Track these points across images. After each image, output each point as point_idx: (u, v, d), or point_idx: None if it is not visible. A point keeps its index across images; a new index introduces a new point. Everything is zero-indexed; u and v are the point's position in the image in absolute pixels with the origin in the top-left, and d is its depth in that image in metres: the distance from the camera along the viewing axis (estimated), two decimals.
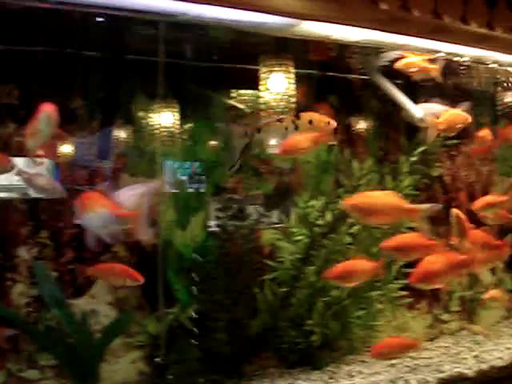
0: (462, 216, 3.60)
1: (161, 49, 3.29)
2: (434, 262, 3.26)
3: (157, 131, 3.84)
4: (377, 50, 3.99)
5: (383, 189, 3.94)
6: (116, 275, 3.13)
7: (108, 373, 3.42)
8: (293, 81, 3.84)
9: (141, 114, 3.78)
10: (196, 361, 3.48)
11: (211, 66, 4.04)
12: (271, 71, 3.79)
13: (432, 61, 3.84)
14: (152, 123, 3.86)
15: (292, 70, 3.85)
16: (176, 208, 3.62)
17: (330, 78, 3.93)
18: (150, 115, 3.80)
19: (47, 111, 2.72)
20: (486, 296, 4.02)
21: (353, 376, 3.79)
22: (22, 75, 3.42)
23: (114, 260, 3.50)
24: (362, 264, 3.38)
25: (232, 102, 4.20)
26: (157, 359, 3.46)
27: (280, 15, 3.23)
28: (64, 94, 3.53)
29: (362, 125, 4.59)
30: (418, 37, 3.75)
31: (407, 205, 3.22)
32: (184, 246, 3.60)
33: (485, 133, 4.35)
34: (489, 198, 4.10)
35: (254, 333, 3.67)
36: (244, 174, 3.85)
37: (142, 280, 3.07)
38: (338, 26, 3.46)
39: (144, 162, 3.74)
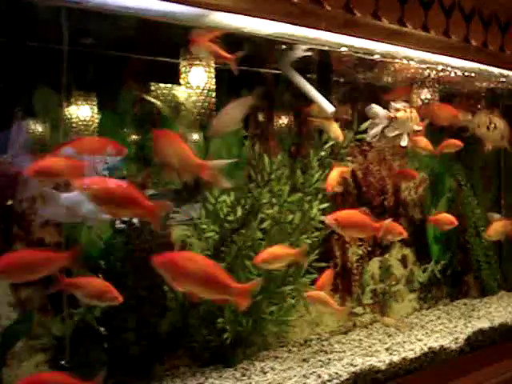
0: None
1: (64, 36, 3.13)
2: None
3: (62, 124, 3.65)
4: (289, 44, 3.95)
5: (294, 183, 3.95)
6: (93, 292, 2.90)
7: (10, 378, 3.28)
8: (213, 75, 3.84)
9: (43, 105, 3.58)
10: (103, 362, 3.36)
11: (125, 58, 3.89)
12: (191, 65, 3.78)
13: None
14: (57, 116, 3.67)
15: (212, 64, 3.83)
16: None
17: (242, 72, 3.86)
18: (54, 107, 3.61)
19: None
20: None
21: (266, 372, 3.78)
22: None
23: None
24: (285, 249, 3.61)
25: (144, 95, 4.07)
26: (62, 362, 3.33)
27: (189, 5, 3.14)
28: None
29: (274, 119, 4.56)
30: (328, 31, 3.74)
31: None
32: (90, 243, 3.47)
33: None
34: None
35: (164, 332, 3.59)
36: (153, 168, 3.75)
37: (121, 299, 2.88)
38: (250, 18, 3.40)
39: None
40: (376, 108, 4.18)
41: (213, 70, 3.87)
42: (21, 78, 3.54)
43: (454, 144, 4.82)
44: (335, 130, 4.13)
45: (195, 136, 4.07)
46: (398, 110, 4.13)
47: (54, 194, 3.09)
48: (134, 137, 4.00)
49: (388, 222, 3.87)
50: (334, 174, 4.01)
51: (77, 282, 2.97)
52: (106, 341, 3.45)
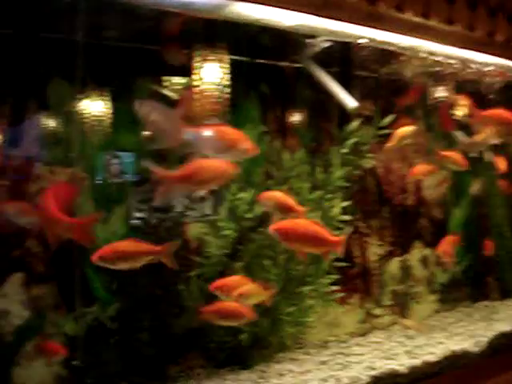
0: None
1: (80, 27, 3.05)
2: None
3: (77, 118, 3.57)
4: (310, 36, 3.84)
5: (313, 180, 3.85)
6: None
7: (22, 378, 3.18)
8: (227, 70, 3.71)
9: (57, 99, 3.49)
10: (117, 363, 3.29)
11: (140, 50, 3.81)
12: (205, 60, 3.67)
13: None
14: (71, 109, 3.59)
15: (226, 59, 3.71)
16: (95, 200, 3.38)
17: (261, 66, 3.77)
18: (69, 101, 3.53)
19: None
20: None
21: (283, 375, 3.67)
22: None
23: (26, 256, 3.24)
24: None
25: (159, 88, 3.98)
26: (75, 362, 3.24)
27: None
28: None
29: (293, 114, 4.45)
30: (350, 23, 3.63)
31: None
32: (104, 240, 3.36)
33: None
34: None
35: (179, 332, 3.48)
36: (169, 163, 3.64)
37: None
38: (270, 8, 3.29)
39: (61, 151, 3.47)
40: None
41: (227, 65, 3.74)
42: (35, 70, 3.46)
43: None
44: None
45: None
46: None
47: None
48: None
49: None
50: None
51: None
52: (120, 340, 3.35)
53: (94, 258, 2.81)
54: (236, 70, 3.82)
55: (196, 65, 3.70)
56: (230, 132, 3.01)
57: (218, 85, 3.69)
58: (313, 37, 3.91)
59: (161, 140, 2.93)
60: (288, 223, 3.22)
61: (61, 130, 3.61)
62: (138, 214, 3.50)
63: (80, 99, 3.62)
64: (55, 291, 3.37)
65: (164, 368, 3.52)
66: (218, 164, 2.96)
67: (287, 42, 3.98)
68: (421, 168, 4.67)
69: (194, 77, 3.70)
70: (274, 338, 3.88)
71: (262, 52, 3.49)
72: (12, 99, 3.40)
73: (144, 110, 2.86)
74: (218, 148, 2.92)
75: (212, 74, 3.67)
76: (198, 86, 3.69)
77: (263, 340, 3.81)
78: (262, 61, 3.71)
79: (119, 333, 3.37)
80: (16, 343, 3.18)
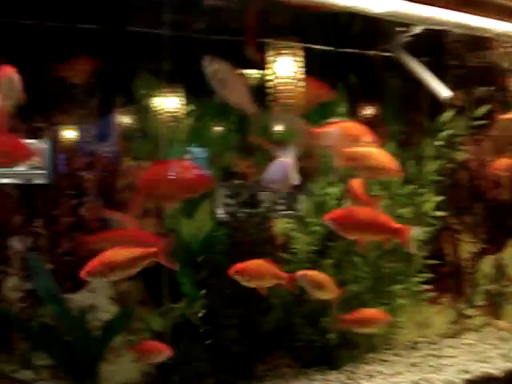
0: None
1: (166, 20, 2.99)
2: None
3: (161, 112, 3.53)
4: (401, 24, 3.67)
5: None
6: (130, 241, 2.67)
7: (108, 373, 3.21)
8: (301, 64, 3.60)
9: (144, 93, 3.46)
10: (204, 360, 3.25)
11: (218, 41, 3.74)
12: (278, 54, 3.59)
13: None
14: (156, 104, 3.55)
15: (300, 53, 3.60)
16: None
17: (349, 55, 3.63)
18: (155, 95, 3.49)
19: (8, 74, 2.35)
20: None
21: (373, 376, 3.54)
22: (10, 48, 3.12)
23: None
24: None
25: None
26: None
27: None
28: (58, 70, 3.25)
29: (382, 106, 4.27)
30: (445, 9, 3.44)
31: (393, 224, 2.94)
32: (190, 235, 3.33)
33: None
34: None
35: (266, 330, 3.40)
36: (255, 157, 3.57)
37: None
38: None
39: (147, 146, 3.45)
40: None
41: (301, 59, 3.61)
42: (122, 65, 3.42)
43: None
44: None
45: None
46: None
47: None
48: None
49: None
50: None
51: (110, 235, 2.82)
52: (207, 338, 3.29)
53: (82, 273, 2.50)
54: (321, 60, 3.70)
55: (269, 59, 3.62)
56: (354, 127, 2.88)
57: (292, 79, 3.59)
58: (404, 24, 3.72)
59: (226, 97, 2.81)
60: (343, 211, 3.01)
61: (146, 125, 3.57)
62: (224, 209, 3.41)
63: (165, 94, 3.55)
64: (142, 286, 3.37)
65: (251, 366, 3.45)
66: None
67: (377, 30, 3.81)
68: (504, 161, 4.41)
69: (267, 71, 3.64)
70: (363, 338, 3.74)
71: (349, 41, 3.34)
72: (101, 94, 3.37)
73: (212, 68, 2.76)
74: (343, 143, 2.80)
75: (286, 67, 3.60)
76: (271, 80, 3.61)
77: (352, 340, 3.67)
78: (349, 50, 3.55)
79: (206, 330, 3.31)
80: (104, 338, 3.19)
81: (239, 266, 2.86)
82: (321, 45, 3.76)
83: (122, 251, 2.53)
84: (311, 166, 3.72)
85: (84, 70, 3.28)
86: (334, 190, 3.61)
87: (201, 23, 3.67)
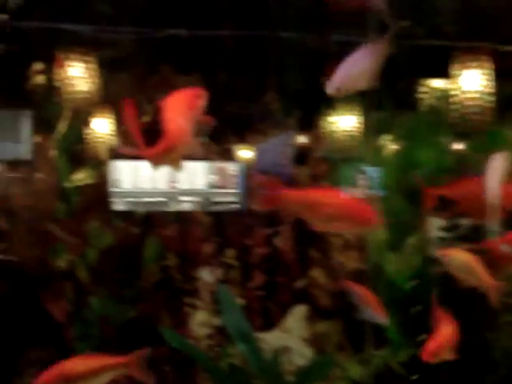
0: None
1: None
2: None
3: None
4: None
5: None
6: None
7: None
8: (491, 78, 3.28)
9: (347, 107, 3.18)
10: None
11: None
12: (464, 68, 3.31)
13: None
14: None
15: (489, 65, 3.27)
16: (387, 225, 2.96)
17: None
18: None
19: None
20: None
21: None
22: (206, 63, 2.96)
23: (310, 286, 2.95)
24: None
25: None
26: None
27: None
28: (254, 85, 3.06)
29: None
30: None
31: None
32: (397, 272, 2.97)
33: None
34: None
35: None
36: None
37: None
38: None
39: (348, 169, 3.19)
40: None
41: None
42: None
43: None
44: None
45: None
46: None
47: None
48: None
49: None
50: None
51: None
52: None
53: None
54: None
55: (455, 72, 3.32)
56: None
57: (481, 93, 3.27)
58: None
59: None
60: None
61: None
62: (437, 244, 2.97)
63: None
64: (340, 328, 3.09)
65: None
66: None
67: None
68: None
69: (452, 85, 3.35)
70: None
71: None
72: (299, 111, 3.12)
73: None
74: None
75: (473, 81, 3.33)
76: (456, 94, 3.30)
77: None
78: None
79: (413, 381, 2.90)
80: None
81: None
82: None
83: (88, 359, 2.18)
84: None
85: None
86: None
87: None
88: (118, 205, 3.03)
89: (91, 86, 3.01)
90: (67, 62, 2.98)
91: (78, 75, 2.98)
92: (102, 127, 3.15)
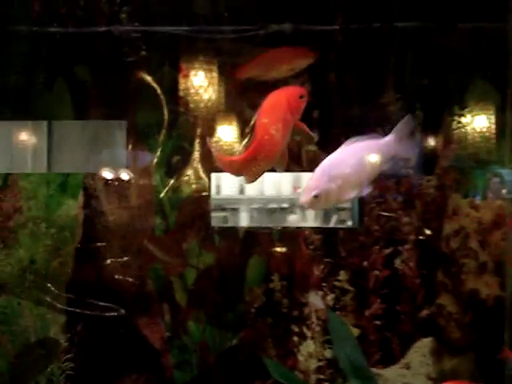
0: None
1: None
2: None
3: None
4: None
5: None
6: None
7: None
8: None
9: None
10: None
11: None
12: None
13: None
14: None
15: None
16: None
17: None
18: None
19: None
20: None
21: None
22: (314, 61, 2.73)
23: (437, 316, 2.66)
24: None
25: None
26: None
27: None
28: (369, 84, 2.83)
29: None
30: None
31: None
32: None
33: None
34: None
35: None
36: None
37: None
38: None
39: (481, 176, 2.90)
40: None
41: None
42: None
43: None
44: None
45: None
46: None
47: None
48: None
49: None
50: None
51: None
52: None
53: None
54: None
55: None
56: None
57: None
58: None
59: None
60: None
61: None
62: None
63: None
64: (472, 365, 2.74)
65: None
66: None
67: None
68: None
69: None
70: None
71: None
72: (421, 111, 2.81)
73: None
74: None
75: None
76: None
77: None
78: None
79: None
80: None
81: None
82: None
83: None
84: None
85: None
86: None
87: None
88: (219, 220, 2.87)
89: (214, 94, 2.97)
90: (191, 71, 2.93)
91: (202, 84, 2.95)
92: (225, 135, 3.09)
